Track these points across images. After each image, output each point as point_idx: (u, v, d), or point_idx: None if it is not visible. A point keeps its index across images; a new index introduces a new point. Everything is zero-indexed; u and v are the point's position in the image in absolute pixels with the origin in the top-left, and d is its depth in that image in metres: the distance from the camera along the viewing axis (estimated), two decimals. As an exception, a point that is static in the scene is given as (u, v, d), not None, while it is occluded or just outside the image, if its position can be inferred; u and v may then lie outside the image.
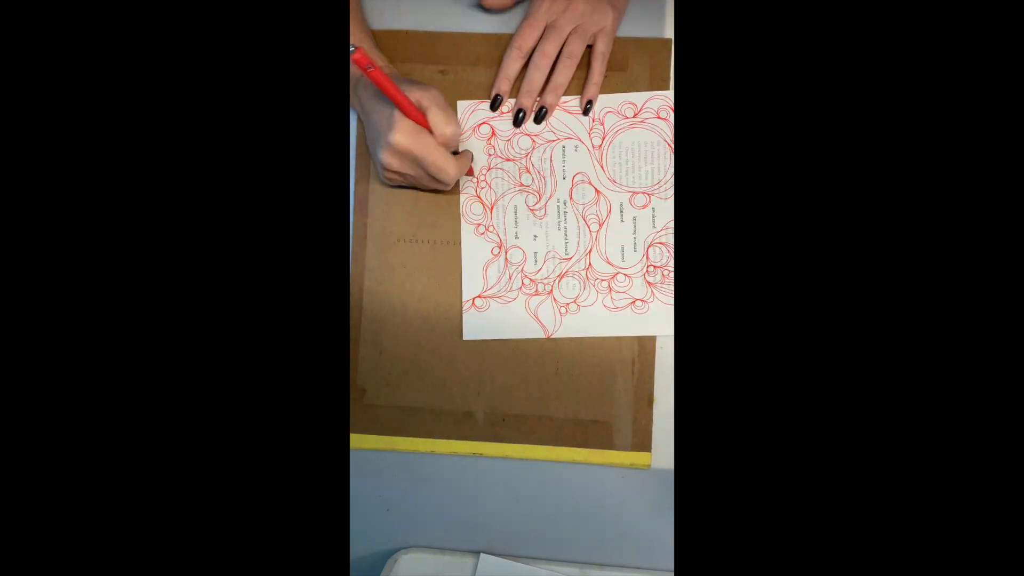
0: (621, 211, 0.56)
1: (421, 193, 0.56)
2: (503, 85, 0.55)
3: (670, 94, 0.55)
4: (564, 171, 0.56)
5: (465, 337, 0.56)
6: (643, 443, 0.55)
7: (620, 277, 0.56)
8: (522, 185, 0.56)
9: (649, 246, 0.55)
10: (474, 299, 0.56)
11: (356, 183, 0.57)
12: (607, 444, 0.55)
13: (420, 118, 0.48)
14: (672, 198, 0.55)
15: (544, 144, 0.56)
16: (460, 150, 0.55)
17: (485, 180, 0.56)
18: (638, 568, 0.57)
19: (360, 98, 0.52)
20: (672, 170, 0.55)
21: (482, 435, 0.56)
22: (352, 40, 0.52)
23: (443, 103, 0.49)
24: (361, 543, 0.59)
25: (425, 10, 0.57)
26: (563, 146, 0.56)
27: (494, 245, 0.56)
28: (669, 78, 0.55)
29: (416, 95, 0.48)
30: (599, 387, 0.56)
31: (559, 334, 0.56)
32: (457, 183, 0.56)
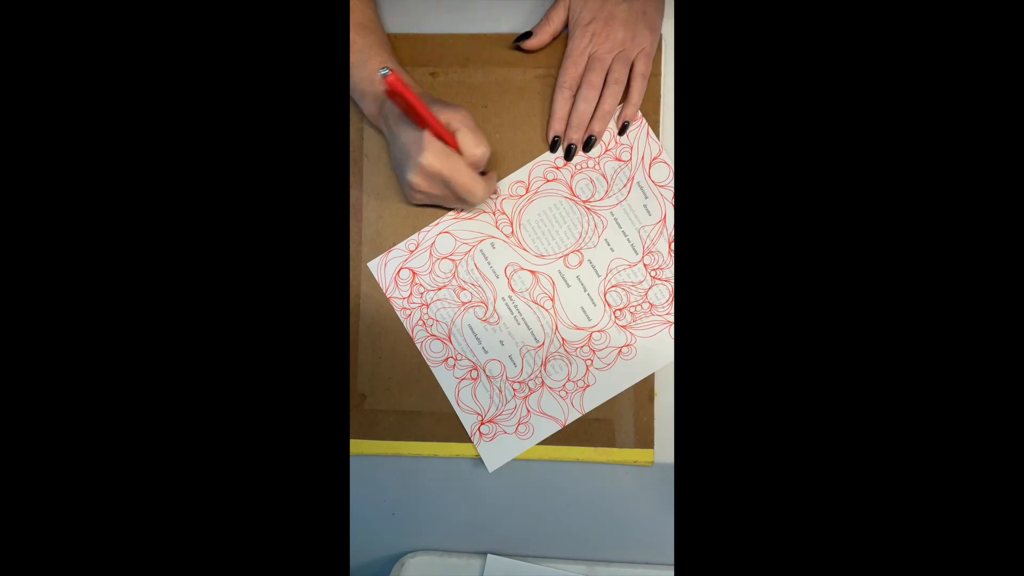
0: (563, 278, 0.55)
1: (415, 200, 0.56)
2: (558, 126, 0.55)
3: (549, 155, 0.56)
4: (494, 270, 0.56)
5: (491, 470, 0.56)
6: (646, 440, 0.55)
7: (595, 335, 0.55)
8: (464, 303, 0.56)
9: (605, 294, 0.55)
10: (479, 429, 0.55)
11: (350, 189, 0.56)
12: (609, 442, 0.55)
13: (450, 139, 0.48)
14: (597, 246, 0.55)
15: (462, 257, 0.56)
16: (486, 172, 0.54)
17: (432, 317, 0.56)
18: (646, 564, 0.57)
19: (387, 117, 0.51)
20: (585, 222, 0.56)
21: (485, 437, 0.56)
22: (382, 64, 0.51)
23: (472, 124, 0.48)
24: (367, 548, 0.58)
25: (413, 12, 0.56)
26: (480, 250, 0.56)
27: (469, 370, 0.56)
28: (663, 74, 0.55)
29: (446, 116, 0.48)
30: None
31: (573, 417, 0.55)
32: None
